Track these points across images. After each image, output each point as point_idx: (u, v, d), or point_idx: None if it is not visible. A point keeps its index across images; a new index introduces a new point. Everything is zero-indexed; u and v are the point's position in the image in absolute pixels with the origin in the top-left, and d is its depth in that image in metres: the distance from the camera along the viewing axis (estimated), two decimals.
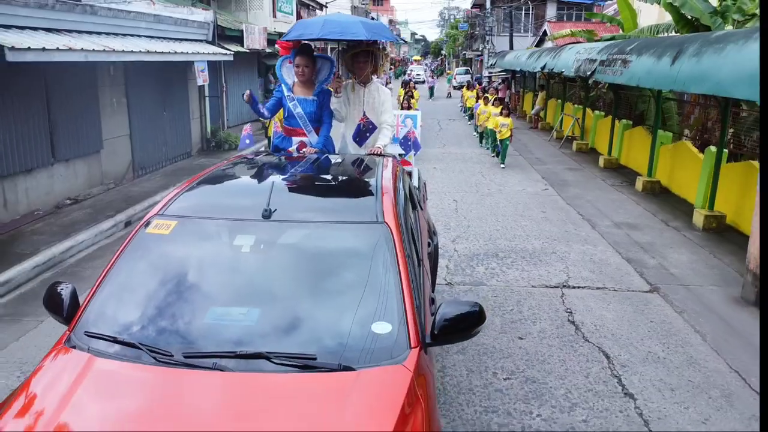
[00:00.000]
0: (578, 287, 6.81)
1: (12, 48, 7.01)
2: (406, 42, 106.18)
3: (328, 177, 4.29)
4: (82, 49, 8.35)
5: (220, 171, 4.01)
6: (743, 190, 8.77)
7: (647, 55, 9.06)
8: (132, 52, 9.70)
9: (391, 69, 70.20)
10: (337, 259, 3.06)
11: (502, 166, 13.88)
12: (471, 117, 23.84)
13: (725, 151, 9.50)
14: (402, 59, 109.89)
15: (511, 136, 14.09)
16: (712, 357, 5.28)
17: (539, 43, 29.87)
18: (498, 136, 13.96)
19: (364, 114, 5.43)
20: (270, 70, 21.33)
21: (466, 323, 2.82)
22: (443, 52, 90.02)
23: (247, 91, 5.16)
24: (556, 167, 14.30)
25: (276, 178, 3.92)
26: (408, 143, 6.53)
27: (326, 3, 31.06)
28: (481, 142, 17.45)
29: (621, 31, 18.97)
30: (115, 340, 2.65)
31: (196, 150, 14.88)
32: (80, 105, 9.96)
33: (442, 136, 19.97)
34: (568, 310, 6.19)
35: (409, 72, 55.16)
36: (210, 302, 2.85)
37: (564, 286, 6.85)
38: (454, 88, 42.50)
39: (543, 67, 16.85)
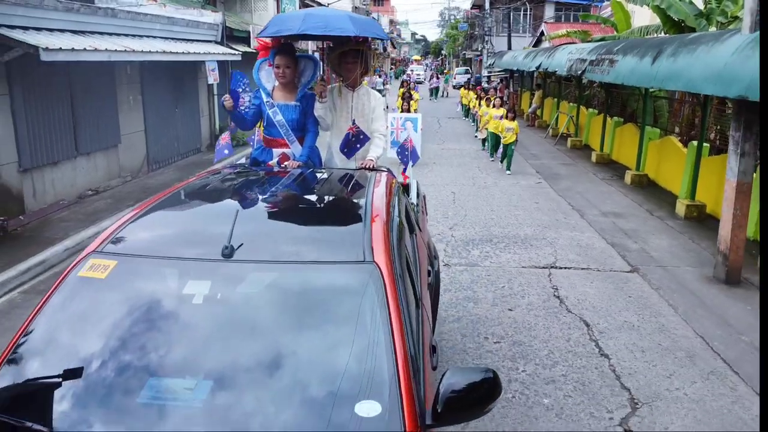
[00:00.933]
0: (564, 268, 7.44)
1: (46, 49, 7.64)
2: (399, 42, 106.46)
3: (310, 199, 3.68)
4: (106, 49, 8.98)
5: (181, 192, 3.38)
6: (722, 182, 9.36)
7: (631, 55, 9.71)
8: (150, 52, 10.34)
9: (391, 69, 70.79)
10: (313, 314, 2.43)
11: (508, 173, 13.28)
12: (467, 114, 24.41)
13: (706, 145, 10.13)
14: (402, 59, 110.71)
15: (515, 140, 13.56)
16: (681, 325, 5.91)
17: (537, 44, 30.52)
18: (503, 141, 13.45)
19: (353, 122, 4.72)
20: None
21: (478, 395, 2.22)
22: (443, 52, 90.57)
23: (227, 97, 4.55)
24: (550, 162, 14.93)
25: (246, 202, 3.33)
26: (405, 153, 5.98)
27: (328, 4, 31.68)
28: (483, 146, 16.48)
29: (615, 32, 19.65)
30: (14, 428, 2.06)
31: (205, 146, 15.51)
32: (100, 102, 10.60)
33: (442, 133, 20.61)
34: (554, 287, 6.82)
35: (409, 72, 53.18)
36: (147, 372, 2.21)
37: (552, 267, 7.48)
38: (453, 87, 43.02)
39: (538, 67, 17.50)
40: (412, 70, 54.31)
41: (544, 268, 7.45)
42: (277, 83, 4.74)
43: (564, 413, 4.41)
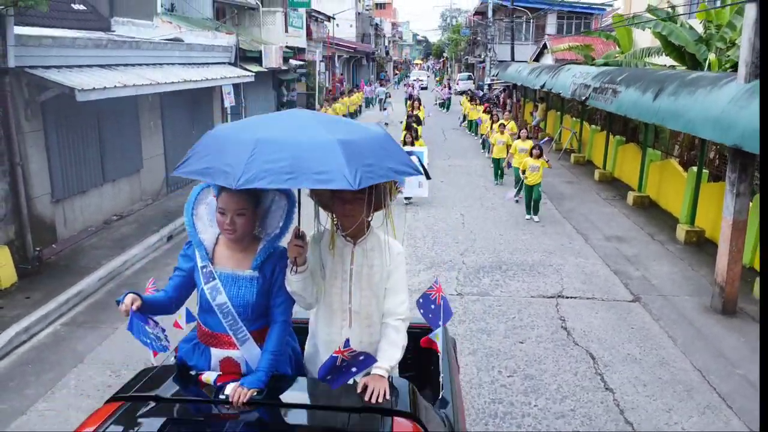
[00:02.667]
0: (571, 297, 7.90)
1: (81, 90, 8.11)
2: (400, 44, 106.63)
3: None
4: (133, 84, 9.45)
5: None
6: (721, 207, 9.82)
7: (633, 88, 10.16)
8: (172, 83, 10.81)
9: (395, 74, 71.19)
10: None
11: (536, 220, 11.35)
12: (471, 127, 24.21)
13: (705, 171, 10.58)
14: (404, 61, 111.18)
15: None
16: (680, 358, 6.37)
17: (539, 55, 30.94)
18: (525, 181, 11.27)
19: (350, 310, 2.92)
20: (283, 83, 22.45)
21: None
22: (445, 54, 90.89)
23: (123, 305, 2.56)
24: (554, 179, 15.36)
25: None
26: (431, 307, 3.33)
27: (333, 15, 32.19)
28: (497, 177, 14.81)
29: (617, 47, 20.10)
30: None
31: None
32: (125, 130, 11.08)
33: (447, 147, 21.05)
34: (562, 318, 7.28)
35: (412, 82, 48.45)
36: None
37: (559, 296, 7.94)
38: (456, 93, 42.54)
39: (543, 86, 17.93)
40: (413, 82, 48.13)
41: (551, 297, 7.91)
42: (221, 234, 2.80)
43: None
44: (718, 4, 14.62)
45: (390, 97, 28.01)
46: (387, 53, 74.44)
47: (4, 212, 8.12)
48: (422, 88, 44.66)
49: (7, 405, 5.47)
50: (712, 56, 12.36)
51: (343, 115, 22.76)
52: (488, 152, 17.07)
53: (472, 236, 10.51)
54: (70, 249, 9.31)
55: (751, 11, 6.42)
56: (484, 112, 19.86)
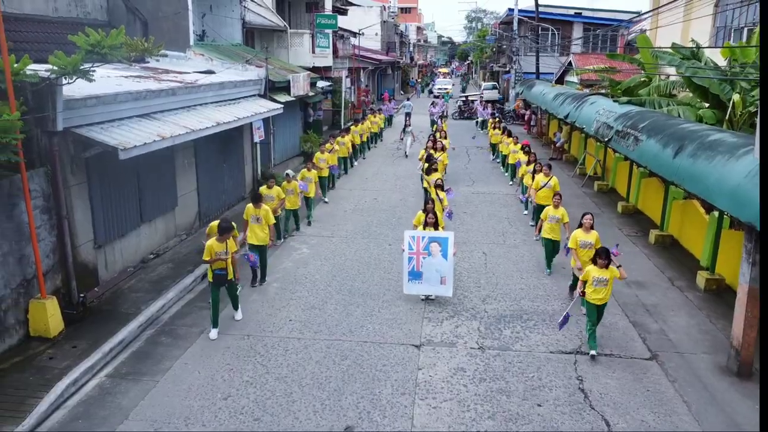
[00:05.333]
0: (589, 354, 8.14)
1: (123, 149, 8.60)
2: (425, 46, 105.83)
3: None
4: (170, 135, 9.92)
5: None
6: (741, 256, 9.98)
7: (655, 140, 10.33)
8: (207, 128, 11.28)
9: (417, 82, 70.94)
10: None
11: (593, 352, 8.06)
12: (504, 167, 20.08)
13: (727, 217, 10.70)
14: (428, 64, 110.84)
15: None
16: (692, 426, 6.60)
17: (563, 75, 30.94)
18: (586, 297, 8.19)
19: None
20: (309, 105, 22.90)
21: None
22: (470, 58, 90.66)
23: None
24: (576, 211, 15.47)
25: None
26: None
27: (360, 31, 32.59)
28: (550, 264, 11.18)
29: (643, 71, 20.14)
30: None
31: (248, 191, 16.48)
32: (161, 171, 11.60)
33: (471, 169, 21.28)
34: (579, 378, 7.55)
35: (433, 99, 41.95)
36: None
37: (577, 352, 8.20)
38: (480, 101, 41.20)
39: (566, 116, 18.09)
40: (436, 100, 37.31)
41: (570, 353, 8.17)
42: None
43: None
44: (744, 39, 14.65)
45: (409, 125, 25.20)
46: (411, 59, 74.54)
47: (52, 263, 8.66)
48: (444, 95, 44.09)
49: None
50: (736, 97, 12.44)
51: (357, 144, 21.37)
52: (531, 214, 14.17)
53: (494, 279, 10.79)
54: (111, 292, 9.83)
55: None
56: (523, 152, 16.54)
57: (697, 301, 9.95)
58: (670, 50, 14.65)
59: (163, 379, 7.49)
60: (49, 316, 8.27)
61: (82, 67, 7.85)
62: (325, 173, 15.76)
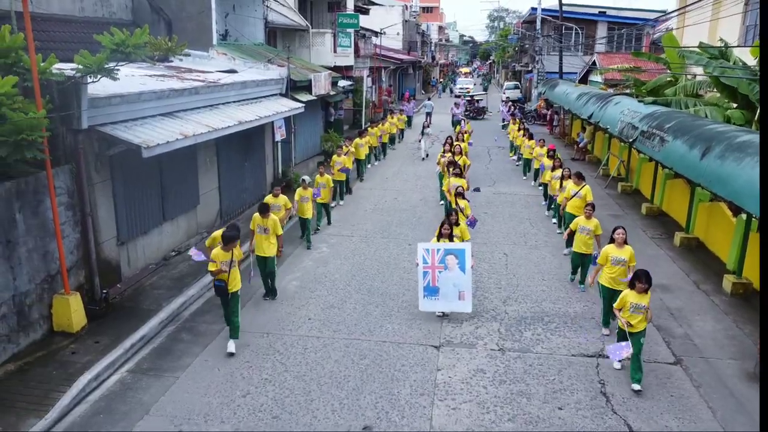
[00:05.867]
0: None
1: (147, 147, 8.67)
2: (447, 45, 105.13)
3: None
4: (193, 134, 9.99)
5: None
6: None
7: (681, 141, 10.13)
8: (229, 127, 11.34)
9: (439, 81, 70.73)
10: None
11: (637, 387, 7.24)
12: (526, 170, 19.66)
13: (755, 219, 10.46)
14: (450, 63, 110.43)
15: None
16: None
17: (587, 74, 30.59)
18: (619, 323, 7.36)
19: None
20: (330, 104, 22.94)
21: None
22: (492, 57, 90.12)
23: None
24: (600, 212, 15.18)
25: None
26: None
27: (382, 30, 32.56)
28: (576, 273, 10.67)
29: (668, 70, 19.81)
30: None
31: (269, 190, 16.54)
32: (184, 170, 11.69)
33: (492, 169, 21.14)
34: (601, 381, 7.43)
35: (455, 100, 38.71)
36: None
37: (599, 355, 8.07)
38: (508, 100, 39.17)
39: (590, 116, 17.86)
40: (458, 101, 33.88)
41: (592, 356, 8.05)
42: None
43: None
44: None
45: (429, 126, 24.74)
46: (433, 58, 74.33)
47: (75, 259, 8.78)
48: (464, 95, 43.44)
49: None
50: None
51: (374, 147, 21.14)
52: (559, 221, 13.54)
53: (514, 281, 10.69)
54: (133, 288, 9.93)
55: None
56: (548, 156, 15.67)
57: (723, 305, 9.74)
58: (697, 49, 14.37)
59: (184, 375, 7.54)
60: (72, 311, 8.37)
61: (106, 66, 7.95)
62: (342, 176, 15.69)
